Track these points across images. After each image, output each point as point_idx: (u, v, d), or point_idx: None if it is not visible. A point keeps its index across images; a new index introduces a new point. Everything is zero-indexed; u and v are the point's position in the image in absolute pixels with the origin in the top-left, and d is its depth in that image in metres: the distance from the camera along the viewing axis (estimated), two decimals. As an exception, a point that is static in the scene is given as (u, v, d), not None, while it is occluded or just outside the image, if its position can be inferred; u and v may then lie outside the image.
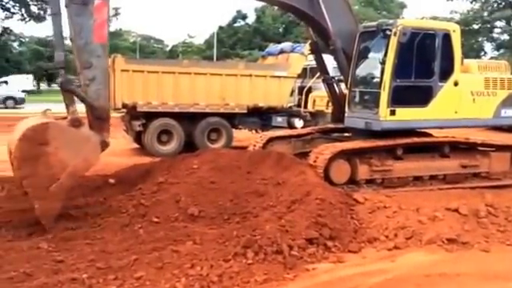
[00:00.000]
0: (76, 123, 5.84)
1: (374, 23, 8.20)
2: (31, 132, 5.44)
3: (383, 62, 7.66)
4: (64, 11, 5.92)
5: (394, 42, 7.52)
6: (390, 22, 7.86)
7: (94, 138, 5.89)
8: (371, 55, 8.26)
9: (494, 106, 8.55)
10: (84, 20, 5.87)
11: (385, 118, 7.66)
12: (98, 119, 6.05)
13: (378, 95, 7.72)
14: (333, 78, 9.36)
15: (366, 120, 7.93)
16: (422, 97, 7.95)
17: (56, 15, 5.80)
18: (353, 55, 8.35)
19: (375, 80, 8.01)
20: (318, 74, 12.27)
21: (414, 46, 7.61)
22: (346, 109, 8.47)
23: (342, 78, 8.96)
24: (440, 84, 7.95)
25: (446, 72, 7.98)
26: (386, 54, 7.65)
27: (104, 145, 6.07)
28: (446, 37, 7.90)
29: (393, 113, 7.67)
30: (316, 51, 9.56)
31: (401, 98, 7.71)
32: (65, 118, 6.26)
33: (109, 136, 6.23)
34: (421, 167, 7.97)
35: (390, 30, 7.60)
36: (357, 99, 8.41)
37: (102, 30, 5.98)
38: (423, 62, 7.88)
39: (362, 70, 8.38)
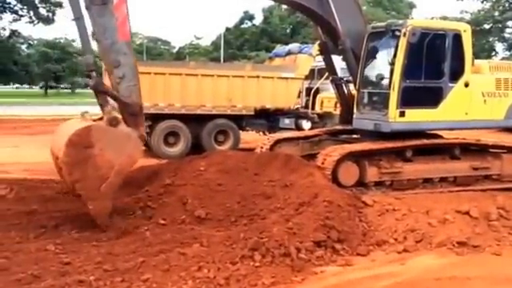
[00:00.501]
0: (114, 122, 5.91)
1: (383, 24, 8.12)
2: (76, 137, 5.57)
3: (392, 63, 7.58)
4: (86, 14, 5.94)
5: (403, 43, 7.43)
6: (400, 22, 7.78)
7: (133, 134, 5.98)
8: (380, 56, 8.18)
9: (505, 106, 8.41)
10: (106, 20, 5.92)
11: (394, 120, 7.58)
12: (133, 115, 6.12)
13: (387, 96, 7.64)
14: (341, 78, 9.30)
15: (374, 121, 7.86)
16: (431, 98, 7.85)
17: (79, 19, 5.84)
18: (361, 56, 8.28)
19: (384, 81, 7.92)
20: (326, 75, 12.25)
21: (423, 46, 7.52)
22: (355, 110, 8.40)
23: (350, 78, 8.90)
24: (450, 85, 7.84)
25: (457, 73, 7.87)
26: (395, 55, 7.56)
27: (142, 139, 6.17)
28: (457, 37, 7.80)
29: (402, 114, 7.59)
30: (325, 52, 9.51)
31: (410, 99, 7.62)
32: (101, 118, 6.32)
33: (144, 130, 6.32)
34: (431, 169, 7.87)
35: (400, 31, 7.51)
36: (365, 100, 8.33)
37: (124, 27, 6.03)
38: (433, 62, 7.79)
39: (370, 71, 8.30)
